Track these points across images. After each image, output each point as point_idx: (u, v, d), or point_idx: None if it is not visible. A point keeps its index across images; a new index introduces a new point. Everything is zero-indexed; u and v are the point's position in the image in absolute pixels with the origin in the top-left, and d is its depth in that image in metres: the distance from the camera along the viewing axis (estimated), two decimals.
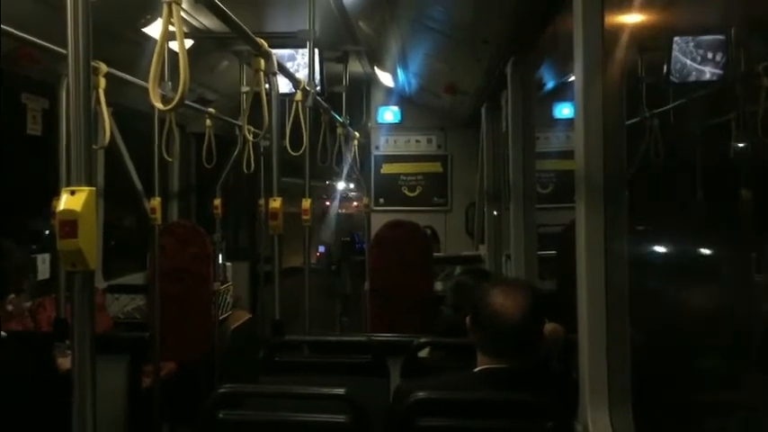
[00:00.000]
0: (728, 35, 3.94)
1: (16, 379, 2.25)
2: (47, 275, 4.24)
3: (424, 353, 2.70)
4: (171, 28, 1.67)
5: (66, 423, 1.40)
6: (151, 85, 1.66)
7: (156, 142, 4.07)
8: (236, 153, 5.55)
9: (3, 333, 2.38)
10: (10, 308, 2.43)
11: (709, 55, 3.99)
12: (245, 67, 5.37)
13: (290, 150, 3.50)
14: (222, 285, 5.88)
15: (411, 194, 7.52)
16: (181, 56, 1.62)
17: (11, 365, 2.28)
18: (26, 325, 3.79)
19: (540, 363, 2.06)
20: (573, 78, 1.97)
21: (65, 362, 2.56)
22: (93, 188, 1.40)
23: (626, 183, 1.84)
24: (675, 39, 4.03)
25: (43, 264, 4.22)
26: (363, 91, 7.31)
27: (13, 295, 2.43)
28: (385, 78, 6.80)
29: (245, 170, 5.09)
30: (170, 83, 3.82)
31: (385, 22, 4.63)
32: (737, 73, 3.88)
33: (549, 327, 2.13)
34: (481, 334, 1.95)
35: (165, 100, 1.71)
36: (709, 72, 3.99)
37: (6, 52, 3.49)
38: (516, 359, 1.90)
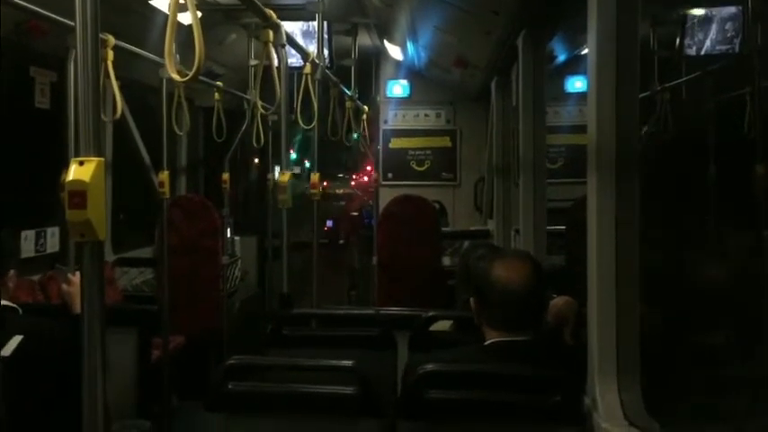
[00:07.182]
0: (746, 7, 3.86)
1: (51, 349, 2.24)
2: (56, 248, 4.26)
3: (446, 326, 2.70)
4: (180, 0, 1.65)
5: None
6: (167, 58, 1.66)
7: (165, 116, 4.06)
8: (244, 127, 5.53)
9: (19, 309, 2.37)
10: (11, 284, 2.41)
11: (726, 27, 3.92)
12: (253, 40, 5.33)
13: (301, 123, 3.48)
14: (231, 259, 5.90)
15: (420, 169, 7.49)
16: (195, 28, 1.60)
17: (42, 336, 2.26)
18: (36, 298, 3.81)
19: (551, 335, 2.06)
20: (586, 51, 1.94)
21: (70, 287, 2.49)
22: (102, 159, 1.39)
23: (638, 157, 1.83)
24: (690, 10, 3.96)
25: (53, 237, 4.24)
26: (373, 64, 7.25)
27: (12, 271, 2.41)
28: (394, 52, 6.73)
29: (255, 144, 5.08)
30: (178, 55, 3.79)
31: None
32: (754, 46, 3.81)
33: (560, 300, 2.13)
34: (489, 309, 1.95)
35: (179, 73, 1.70)
36: (724, 45, 3.93)
37: (15, 25, 3.48)
38: (525, 330, 1.91)
